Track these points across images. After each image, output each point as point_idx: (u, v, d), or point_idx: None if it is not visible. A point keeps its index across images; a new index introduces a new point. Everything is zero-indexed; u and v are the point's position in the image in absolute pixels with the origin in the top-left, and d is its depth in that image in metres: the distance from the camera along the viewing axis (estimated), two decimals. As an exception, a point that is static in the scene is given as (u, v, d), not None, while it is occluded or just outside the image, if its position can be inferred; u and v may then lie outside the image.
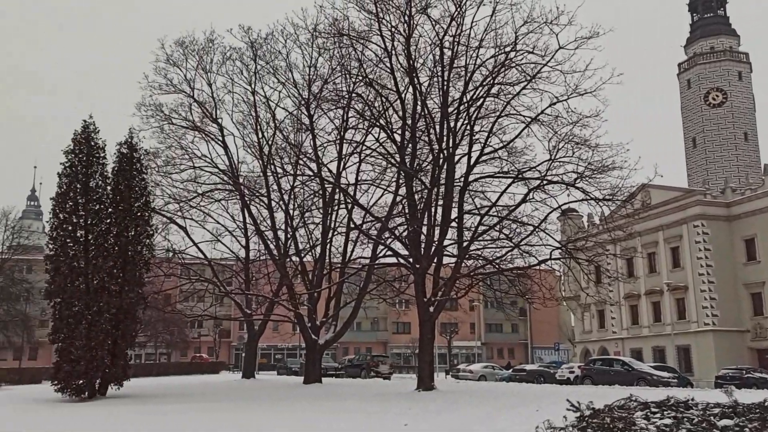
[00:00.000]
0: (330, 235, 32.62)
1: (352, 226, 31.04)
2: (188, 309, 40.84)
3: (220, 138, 34.17)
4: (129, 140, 27.26)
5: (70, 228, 25.28)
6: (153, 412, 19.29)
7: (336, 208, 32.84)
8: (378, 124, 27.65)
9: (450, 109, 25.85)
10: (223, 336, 73.64)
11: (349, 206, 31.18)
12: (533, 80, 24.90)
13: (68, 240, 25.16)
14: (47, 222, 26.71)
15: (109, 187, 26.54)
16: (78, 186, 25.57)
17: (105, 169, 26.56)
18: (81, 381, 24.26)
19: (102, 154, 26.50)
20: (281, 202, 33.12)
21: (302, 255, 33.58)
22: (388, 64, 25.98)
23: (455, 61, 25.52)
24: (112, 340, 25.16)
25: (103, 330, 24.40)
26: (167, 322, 58.89)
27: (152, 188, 30.20)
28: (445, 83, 25.63)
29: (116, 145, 27.04)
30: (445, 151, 25.94)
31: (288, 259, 33.76)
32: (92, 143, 26.27)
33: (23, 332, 58.55)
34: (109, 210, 26.26)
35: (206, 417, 17.73)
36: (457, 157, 26.45)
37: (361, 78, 27.03)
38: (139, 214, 26.83)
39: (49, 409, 21.16)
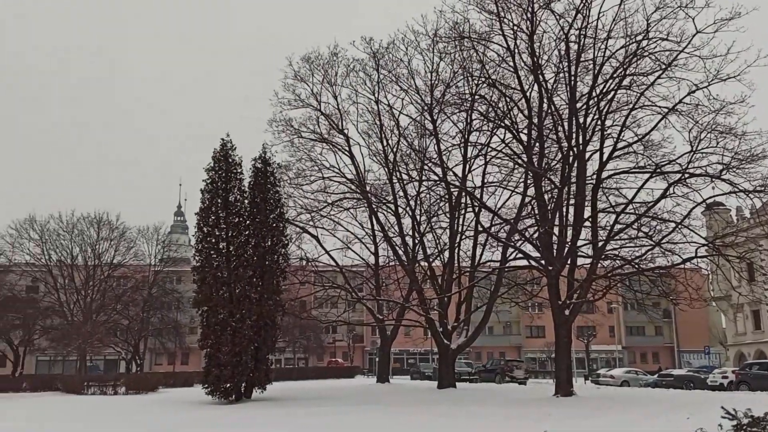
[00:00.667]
0: (458, 239, 32.46)
1: (480, 229, 30.68)
2: (323, 315, 42.16)
3: (347, 148, 35.00)
4: (263, 155, 28.57)
5: (213, 240, 26.88)
6: (296, 414, 20.02)
7: (463, 211, 32.64)
8: (503, 124, 27.18)
9: (579, 105, 24.95)
10: (357, 341, 75.36)
11: (477, 209, 30.88)
12: (669, 68, 23.53)
13: (212, 252, 26.77)
14: (193, 236, 28.55)
15: (246, 201, 27.95)
16: (219, 201, 27.15)
17: (242, 184, 28.01)
18: (228, 384, 25.64)
19: (239, 170, 27.97)
20: (408, 208, 33.40)
21: (431, 260, 33.64)
22: (511, 64, 25.49)
23: (582, 54, 24.62)
24: (255, 345, 26.41)
25: (246, 336, 25.70)
26: (304, 327, 61.15)
27: (285, 200, 31.45)
28: (573, 78, 24.76)
29: (251, 161, 28.43)
30: (575, 149, 25.04)
31: (417, 264, 33.94)
32: (230, 160, 27.81)
33: (176, 339, 62.95)
34: (247, 222, 27.64)
35: (347, 419, 18.15)
36: (588, 154, 25.44)
37: (483, 79, 26.73)
38: (274, 225, 28.03)
39: (202, 411, 22.53)
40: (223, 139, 27.94)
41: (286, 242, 29.25)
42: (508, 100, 26.88)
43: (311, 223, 35.23)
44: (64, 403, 28.57)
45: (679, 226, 24.09)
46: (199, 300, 26.76)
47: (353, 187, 35.17)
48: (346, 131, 34.79)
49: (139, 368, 59.17)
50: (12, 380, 42.51)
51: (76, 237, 56.16)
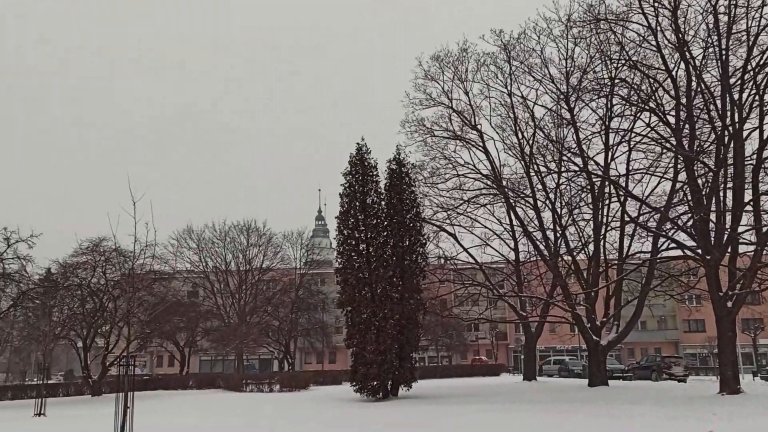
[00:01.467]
0: (603, 230, 31.00)
1: (627, 219, 29.09)
2: (464, 313, 41.92)
3: (481, 144, 34.58)
4: (397, 156, 28.91)
5: (353, 243, 27.57)
6: (443, 412, 20.00)
7: (607, 202, 31.14)
8: (647, 107, 25.57)
9: (732, 81, 22.94)
10: (500, 338, 74.36)
11: (622, 198, 29.34)
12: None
13: (353, 254, 27.47)
14: (334, 239, 29.41)
15: (383, 202, 28.40)
16: (357, 204, 27.81)
17: (378, 186, 28.52)
18: (375, 382, 26.19)
19: (375, 173, 28.51)
20: (547, 201, 32.41)
21: (574, 253, 32.40)
22: (654, 43, 23.95)
23: (734, 26, 22.59)
24: (399, 344, 26.77)
25: (389, 335, 26.10)
26: (446, 326, 61.24)
27: (421, 199, 31.65)
28: (724, 52, 22.81)
29: (386, 162, 28.85)
30: (730, 128, 23.04)
31: (559, 259, 32.84)
32: (366, 163, 28.40)
33: (323, 338, 65.44)
34: (385, 223, 28.07)
35: (495, 417, 17.88)
36: (746, 132, 23.32)
37: (623, 62, 25.30)
38: (411, 224, 28.28)
39: (353, 408, 23.12)
40: (358, 143, 28.58)
41: (424, 241, 29.37)
42: (651, 81, 25.27)
43: (448, 221, 35.16)
44: (230, 399, 30.53)
45: None
46: (342, 301, 27.55)
47: (489, 182, 34.68)
48: (479, 127, 34.39)
49: (291, 367, 62.06)
50: (180, 378, 46.11)
51: (228, 244, 60.06)
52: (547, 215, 33.10)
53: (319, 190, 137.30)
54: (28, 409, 25.15)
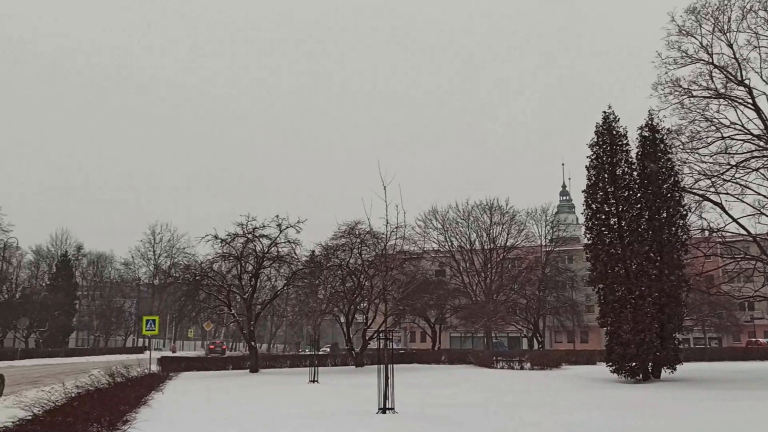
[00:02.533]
0: None
1: None
2: (735, 290, 37.57)
3: (750, 100, 30.45)
4: (649, 122, 26.79)
5: (603, 217, 26.18)
6: (711, 397, 18.26)
7: None
8: None
9: None
10: (781, 319, 65.65)
11: None
12: None
13: (603, 228, 26.09)
14: (581, 213, 28.22)
15: (635, 173, 26.56)
16: (605, 176, 26.33)
17: (629, 156, 26.70)
18: (633, 363, 24.72)
19: (624, 141, 26.72)
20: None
21: None
22: None
23: None
24: (659, 323, 24.93)
25: (647, 314, 24.42)
26: (713, 305, 55.64)
27: (679, 167, 28.96)
28: None
29: (637, 130, 26.90)
30: None
31: None
32: (614, 132, 26.74)
33: (573, 317, 63.54)
34: (638, 195, 26.25)
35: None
36: None
37: None
38: (668, 195, 26.11)
39: (611, 389, 22.09)
40: (605, 112, 27.01)
41: (684, 213, 26.94)
42: None
43: (712, 189, 31.54)
44: (481, 375, 31.10)
45: None
46: (594, 278, 26.38)
47: (762, 143, 30.46)
48: (747, 81, 30.32)
49: (541, 345, 61.32)
50: (433, 353, 48.07)
51: (471, 224, 61.05)
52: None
53: (563, 164, 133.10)
54: (303, 377, 28.05)
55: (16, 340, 65.54)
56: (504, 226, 60.10)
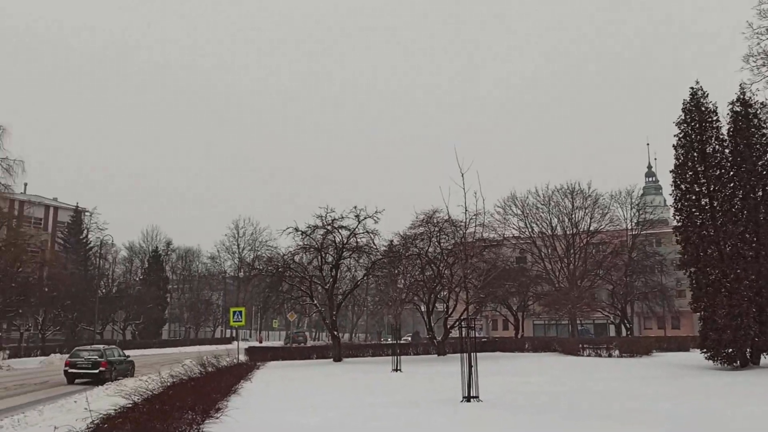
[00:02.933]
0: None
1: None
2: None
3: None
4: (741, 96, 25.34)
5: (693, 197, 25.02)
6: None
7: None
8: None
9: None
10: None
11: None
12: None
13: (693, 209, 24.95)
14: (669, 195, 27.07)
15: (726, 150, 25.22)
16: (695, 154, 25.14)
17: (719, 133, 25.38)
18: (729, 350, 23.56)
19: (714, 118, 25.41)
20: None
21: None
22: None
23: None
24: (757, 307, 23.65)
25: (744, 297, 23.23)
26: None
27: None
28: None
29: (727, 105, 25.50)
30: None
31: None
32: (702, 109, 25.47)
33: (663, 302, 61.15)
34: (731, 173, 24.94)
35: None
36: None
37: None
38: (764, 172, 24.63)
39: (704, 376, 21.17)
40: (692, 88, 25.74)
41: (787, 189, 25.31)
42: None
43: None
44: (567, 362, 30.43)
45: None
46: (685, 261, 25.28)
47: None
48: None
49: (629, 332, 59.41)
50: (516, 341, 47.43)
51: (552, 209, 59.62)
52: None
53: (647, 144, 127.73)
54: (386, 365, 28.24)
55: (114, 332, 69.13)
56: (587, 210, 58.40)
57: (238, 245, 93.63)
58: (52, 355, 44.28)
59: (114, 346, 31.42)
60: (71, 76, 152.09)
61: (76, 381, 26.16)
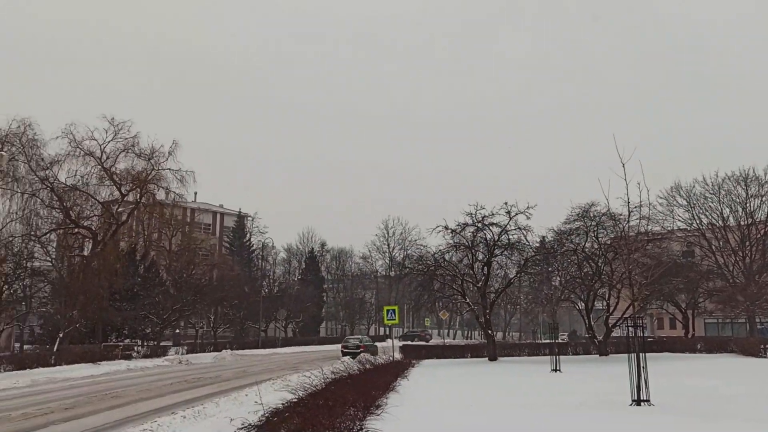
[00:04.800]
0: None
1: None
2: None
3: None
4: None
5: None
6: None
7: None
8: None
9: None
10: None
11: None
12: None
13: None
14: None
15: None
16: None
17: None
18: None
19: None
20: None
21: None
22: None
23: None
24: None
25: None
26: None
27: None
28: None
29: None
30: None
31: None
32: None
33: None
34: None
35: None
36: None
37: None
38: None
39: None
40: None
41: None
42: None
43: None
44: (746, 364, 27.80)
45: None
46: None
47: None
48: None
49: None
50: (686, 341, 44.12)
51: (723, 198, 54.71)
52: None
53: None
54: (544, 365, 27.31)
55: (276, 329, 73.09)
56: (764, 198, 52.98)
57: (388, 245, 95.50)
58: (224, 351, 47.58)
59: (365, 336, 51.37)
60: (239, 93, 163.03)
61: (345, 355, 39.49)
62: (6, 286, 37.92)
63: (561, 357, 27.71)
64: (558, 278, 41.68)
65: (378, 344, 50.00)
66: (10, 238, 40.06)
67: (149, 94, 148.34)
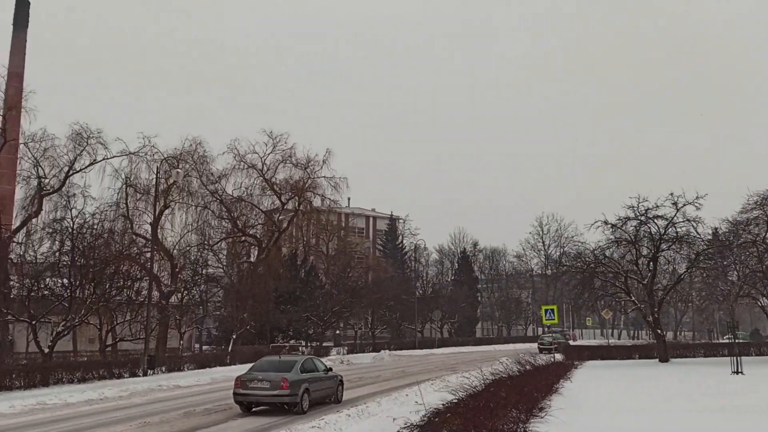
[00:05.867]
0: None
1: None
2: None
3: None
4: None
5: None
6: None
7: None
8: None
9: None
10: None
11: None
12: None
13: None
14: None
15: None
16: None
17: None
18: None
19: None
20: None
21: None
22: None
23: None
24: None
25: None
26: None
27: None
28: None
29: None
30: None
31: None
32: None
33: None
34: None
35: None
36: None
37: None
38: None
39: None
40: None
41: None
42: None
43: None
44: None
45: None
46: None
47: None
48: None
49: None
50: None
51: None
52: None
53: None
54: (721, 367, 25.21)
55: (432, 330, 73.52)
56: None
57: (543, 242, 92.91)
58: (382, 351, 48.67)
59: (558, 334, 56.60)
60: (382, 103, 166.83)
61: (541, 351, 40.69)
62: (186, 292, 41.33)
63: (743, 358, 25.33)
64: (735, 273, 38.27)
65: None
66: (188, 248, 43.62)
67: (303, 105, 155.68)
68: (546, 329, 70.74)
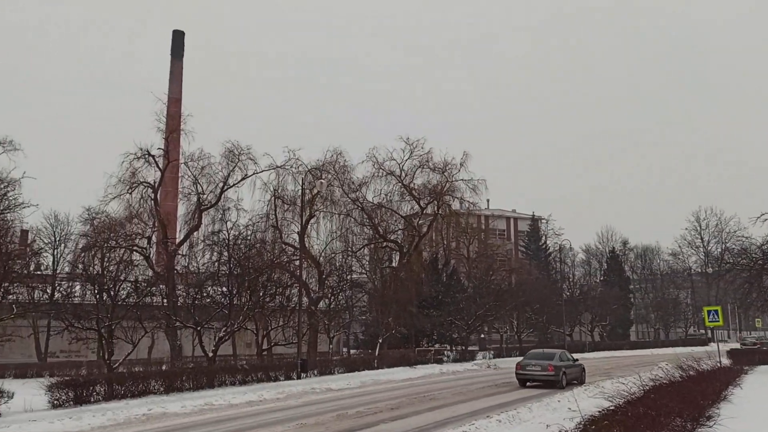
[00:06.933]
0: None
1: None
2: None
3: None
4: None
5: None
6: None
7: None
8: None
9: None
10: None
11: None
12: None
13: None
14: None
15: None
16: None
17: None
18: None
19: None
20: None
21: None
22: None
23: None
24: None
25: None
26: None
27: None
28: None
29: None
30: None
31: None
32: None
33: None
34: None
35: None
36: None
37: None
38: None
39: None
40: None
41: None
42: None
43: None
44: None
45: None
46: None
47: None
48: None
49: None
50: None
51: None
52: None
53: None
54: None
55: (582, 333, 70.65)
56: None
57: (701, 238, 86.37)
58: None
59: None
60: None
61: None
62: (332, 297, 42.78)
63: None
64: None
65: (699, 348, 45.41)
66: (332, 255, 45.16)
67: (434, 114, 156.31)
68: (708, 331, 65.94)
